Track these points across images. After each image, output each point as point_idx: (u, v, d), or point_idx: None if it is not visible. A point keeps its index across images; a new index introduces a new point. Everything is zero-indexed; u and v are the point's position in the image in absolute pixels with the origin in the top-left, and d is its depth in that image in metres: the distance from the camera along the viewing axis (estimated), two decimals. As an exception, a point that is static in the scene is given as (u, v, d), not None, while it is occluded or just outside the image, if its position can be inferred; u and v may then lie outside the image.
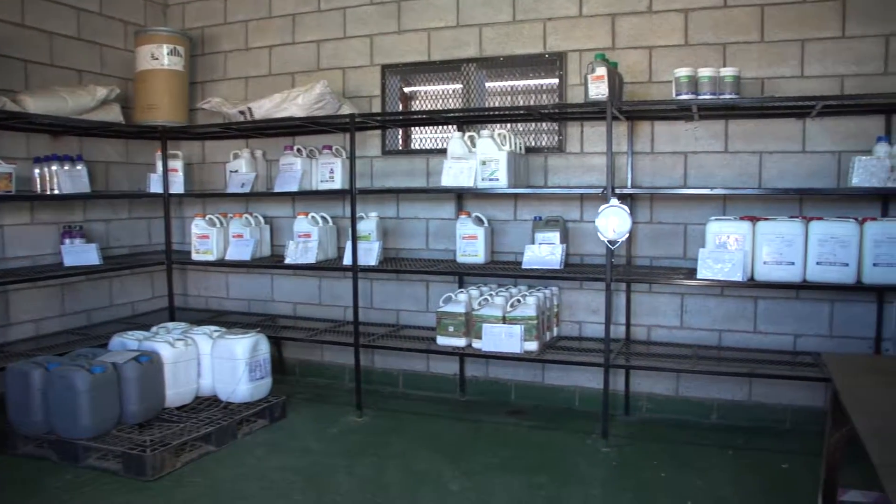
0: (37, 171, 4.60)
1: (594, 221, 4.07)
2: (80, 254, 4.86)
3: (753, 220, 4.02)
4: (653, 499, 3.53)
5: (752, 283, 4.02)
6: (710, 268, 4.00)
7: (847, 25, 4.20)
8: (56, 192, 4.61)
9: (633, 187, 4.63)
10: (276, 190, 5.15)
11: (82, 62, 5.24)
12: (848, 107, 4.09)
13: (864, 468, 1.64)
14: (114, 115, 5.05)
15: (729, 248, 4.02)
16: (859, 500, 2.76)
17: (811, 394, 4.37)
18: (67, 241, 4.91)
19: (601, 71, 4.07)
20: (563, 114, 4.68)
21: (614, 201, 4.04)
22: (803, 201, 4.34)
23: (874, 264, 3.75)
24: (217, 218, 5.38)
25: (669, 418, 4.68)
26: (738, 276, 3.94)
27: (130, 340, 4.44)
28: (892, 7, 4.11)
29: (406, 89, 5.51)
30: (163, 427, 4.12)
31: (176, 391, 4.38)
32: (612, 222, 4.01)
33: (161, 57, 5.28)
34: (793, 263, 3.89)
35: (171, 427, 4.11)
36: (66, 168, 4.64)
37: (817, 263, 3.85)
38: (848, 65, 4.22)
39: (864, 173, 3.79)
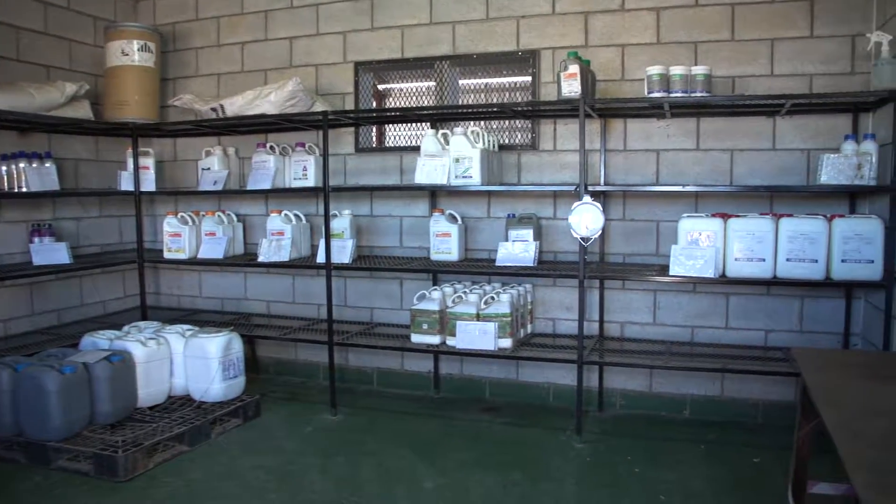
0: (4, 168, 4.52)
1: (567, 219, 4.09)
2: (50, 253, 4.79)
3: (725, 217, 4.06)
4: (626, 494, 3.55)
5: (723, 280, 4.06)
6: (683, 264, 4.04)
7: (815, 26, 4.26)
8: (24, 189, 4.54)
9: (605, 185, 4.66)
10: (249, 188, 5.11)
11: (50, 58, 5.16)
12: (816, 105, 4.15)
13: (834, 461, 1.66)
14: (83, 111, 4.99)
15: (701, 244, 4.05)
16: (828, 492, 2.80)
17: (782, 388, 4.43)
18: (36, 239, 4.83)
19: (574, 69, 4.08)
20: (537, 111, 4.70)
21: (587, 199, 4.06)
22: (773, 198, 4.40)
23: (842, 260, 3.81)
24: (189, 216, 5.32)
25: (643, 414, 4.71)
26: (709, 273, 3.98)
27: (102, 340, 4.39)
28: (857, 8, 4.18)
29: (379, 86, 5.50)
30: (135, 427, 4.08)
31: (148, 391, 4.35)
32: (586, 219, 4.03)
33: (131, 53, 5.21)
34: (763, 260, 3.94)
35: (144, 427, 4.08)
36: (34, 165, 4.58)
37: (787, 260, 3.90)
38: (816, 64, 4.27)
39: (832, 171, 3.85)
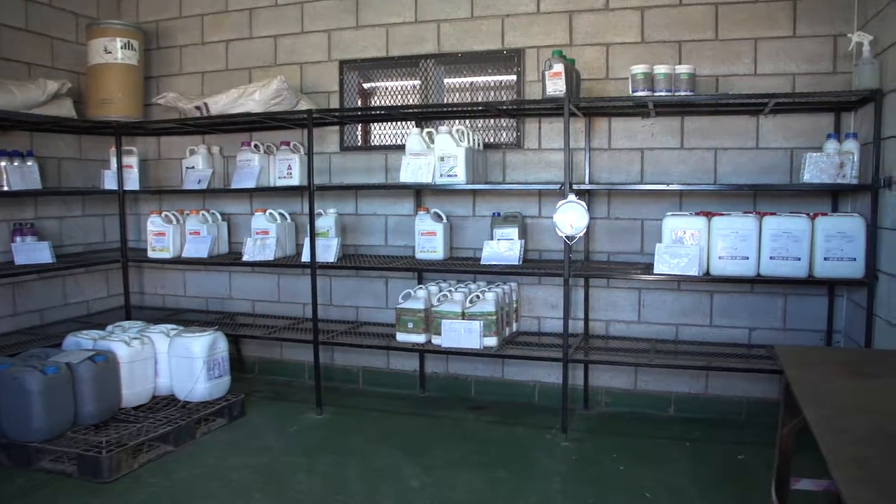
0: (-15, 166, 4.49)
1: (552, 217, 4.10)
2: (32, 252, 4.75)
3: (709, 215, 4.08)
4: (611, 491, 3.57)
5: (707, 278, 4.08)
6: (667, 263, 4.06)
7: (798, 26, 4.29)
8: (5, 188, 4.50)
9: (590, 183, 4.67)
10: (234, 186, 5.09)
11: (32, 55, 5.11)
12: (799, 104, 4.18)
13: (816, 457, 1.67)
14: (66, 109, 4.94)
15: (685, 243, 4.07)
16: (811, 488, 2.82)
17: (766, 386, 4.46)
18: (18, 238, 4.79)
19: (558, 67, 4.09)
20: (521, 110, 4.71)
21: (572, 197, 4.07)
22: (757, 197, 4.43)
23: (825, 258, 3.84)
24: (173, 215, 5.30)
25: (628, 412, 4.73)
26: (693, 271, 4.00)
27: (85, 340, 4.36)
28: (839, 8, 4.21)
29: (364, 85, 5.48)
30: (119, 427, 4.06)
31: (132, 391, 4.32)
32: (570, 218, 4.04)
33: (114, 51, 5.17)
34: (747, 258, 3.96)
35: (128, 427, 4.05)
36: (15, 164, 4.54)
37: (770, 258, 3.93)
38: (799, 63, 4.31)
39: (814, 169, 3.88)
